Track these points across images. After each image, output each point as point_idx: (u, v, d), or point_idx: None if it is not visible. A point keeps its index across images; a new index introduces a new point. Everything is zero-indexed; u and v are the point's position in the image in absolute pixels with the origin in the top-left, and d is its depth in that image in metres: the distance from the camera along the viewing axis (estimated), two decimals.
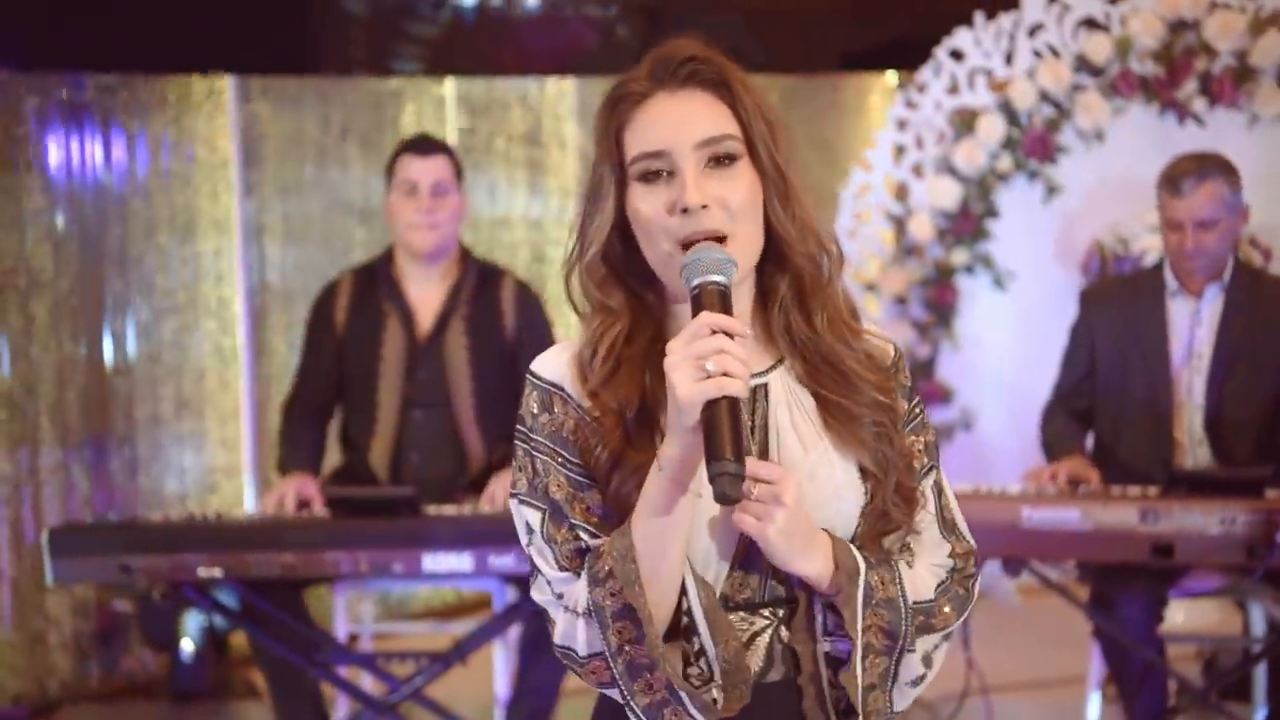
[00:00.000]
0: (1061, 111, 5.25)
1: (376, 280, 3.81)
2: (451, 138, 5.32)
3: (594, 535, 1.62)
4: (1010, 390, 5.25)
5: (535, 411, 1.66)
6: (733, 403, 1.48)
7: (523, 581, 3.57)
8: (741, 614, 1.63)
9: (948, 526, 1.72)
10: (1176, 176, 3.61)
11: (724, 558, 1.62)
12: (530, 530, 1.65)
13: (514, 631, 3.80)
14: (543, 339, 3.83)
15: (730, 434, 1.47)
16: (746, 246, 1.62)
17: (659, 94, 1.62)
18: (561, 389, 1.65)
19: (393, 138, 5.17)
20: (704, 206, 1.58)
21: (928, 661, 1.68)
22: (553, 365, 1.67)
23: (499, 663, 3.81)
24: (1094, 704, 4.11)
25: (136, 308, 4.82)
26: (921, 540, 1.70)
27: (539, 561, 1.65)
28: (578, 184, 5.67)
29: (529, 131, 5.60)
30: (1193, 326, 3.70)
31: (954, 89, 5.34)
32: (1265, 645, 3.77)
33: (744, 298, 1.65)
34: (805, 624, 1.62)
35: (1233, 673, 3.62)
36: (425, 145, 3.81)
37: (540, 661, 3.64)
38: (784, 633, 1.64)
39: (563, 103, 5.65)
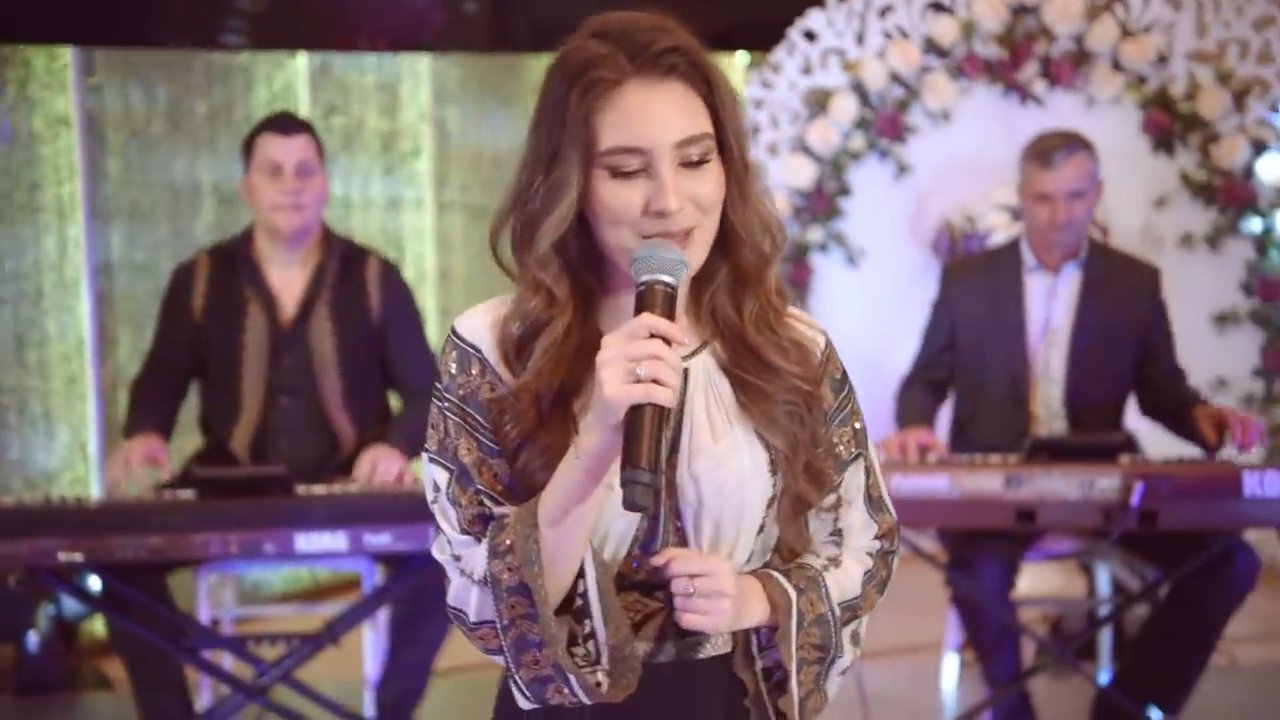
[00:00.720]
0: (911, 92, 5.36)
1: (236, 263, 3.72)
2: (305, 114, 5.22)
3: (498, 503, 1.62)
4: (863, 365, 5.26)
5: (453, 371, 1.65)
6: (657, 411, 1.47)
7: (395, 561, 3.54)
8: (637, 595, 1.64)
9: (875, 505, 1.76)
10: (1046, 150, 3.72)
11: (625, 539, 1.63)
12: (437, 489, 1.65)
13: (383, 613, 3.76)
14: (410, 320, 3.80)
15: (650, 443, 1.46)
16: (707, 240, 1.62)
17: (634, 82, 1.56)
18: (480, 353, 1.64)
19: (244, 114, 5.07)
20: (679, 209, 1.56)
21: (855, 639, 1.75)
22: (475, 326, 1.66)
23: (368, 644, 3.77)
24: (950, 667, 4.22)
25: None
26: (852, 524, 1.75)
27: (441, 521, 1.65)
28: (434, 162, 5.62)
29: (383, 109, 5.52)
30: (1049, 302, 3.81)
31: (807, 69, 5.42)
32: (1114, 607, 3.91)
33: (683, 280, 1.62)
34: (743, 652, 1.69)
35: (1085, 634, 3.75)
36: (287, 124, 3.72)
37: (411, 643, 3.61)
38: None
39: (417, 80, 5.58)
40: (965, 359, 3.87)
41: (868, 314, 5.38)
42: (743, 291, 1.66)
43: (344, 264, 3.74)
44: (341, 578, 5.21)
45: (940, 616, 4.23)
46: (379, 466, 3.45)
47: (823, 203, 5.42)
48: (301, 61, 5.24)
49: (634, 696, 1.60)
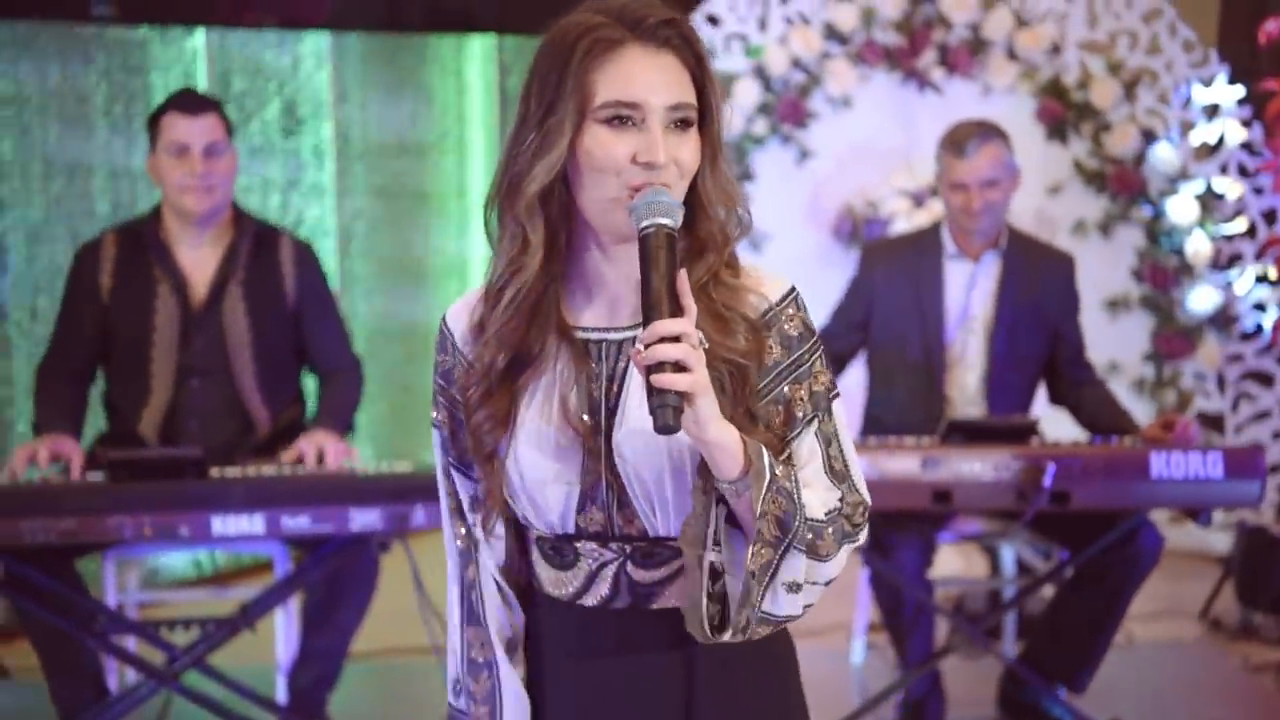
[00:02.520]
0: (812, 78, 5.40)
1: (144, 244, 3.63)
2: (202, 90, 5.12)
3: (465, 477, 1.79)
4: None
5: (436, 353, 1.80)
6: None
7: (309, 545, 3.49)
8: (592, 544, 1.72)
9: (837, 476, 1.71)
10: (960, 140, 3.78)
11: (571, 497, 1.70)
12: (436, 455, 1.84)
13: (295, 598, 3.72)
14: (325, 301, 3.75)
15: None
16: (677, 200, 1.67)
17: (633, 45, 1.66)
18: (452, 335, 1.78)
19: (142, 92, 4.95)
20: (665, 165, 1.64)
21: (793, 588, 1.66)
22: (455, 310, 1.79)
23: (280, 629, 3.72)
24: (859, 648, 4.29)
25: None
26: (810, 488, 1.68)
27: (441, 489, 1.83)
28: (333, 142, 5.54)
29: (283, 88, 5.43)
30: (969, 289, 3.87)
31: (710, 54, 5.42)
32: (1021, 586, 3.99)
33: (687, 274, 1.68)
34: (696, 530, 1.63)
35: (992, 613, 3.82)
36: (194, 103, 3.63)
37: (325, 627, 3.57)
38: (630, 568, 1.71)
39: (318, 59, 5.50)
40: (881, 341, 3.91)
41: None
42: (694, 261, 1.69)
43: (257, 244, 3.68)
44: (245, 562, 5.13)
45: (849, 598, 4.29)
46: (329, 451, 3.38)
47: None
48: (200, 36, 5.12)
49: (587, 639, 1.73)
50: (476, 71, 6.04)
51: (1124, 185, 5.35)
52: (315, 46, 5.46)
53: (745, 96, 5.37)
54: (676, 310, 1.57)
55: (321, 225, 5.54)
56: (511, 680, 1.78)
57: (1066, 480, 3.30)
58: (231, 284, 3.64)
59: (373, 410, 5.40)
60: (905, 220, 5.23)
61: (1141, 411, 5.13)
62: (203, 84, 5.06)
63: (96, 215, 4.82)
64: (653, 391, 1.54)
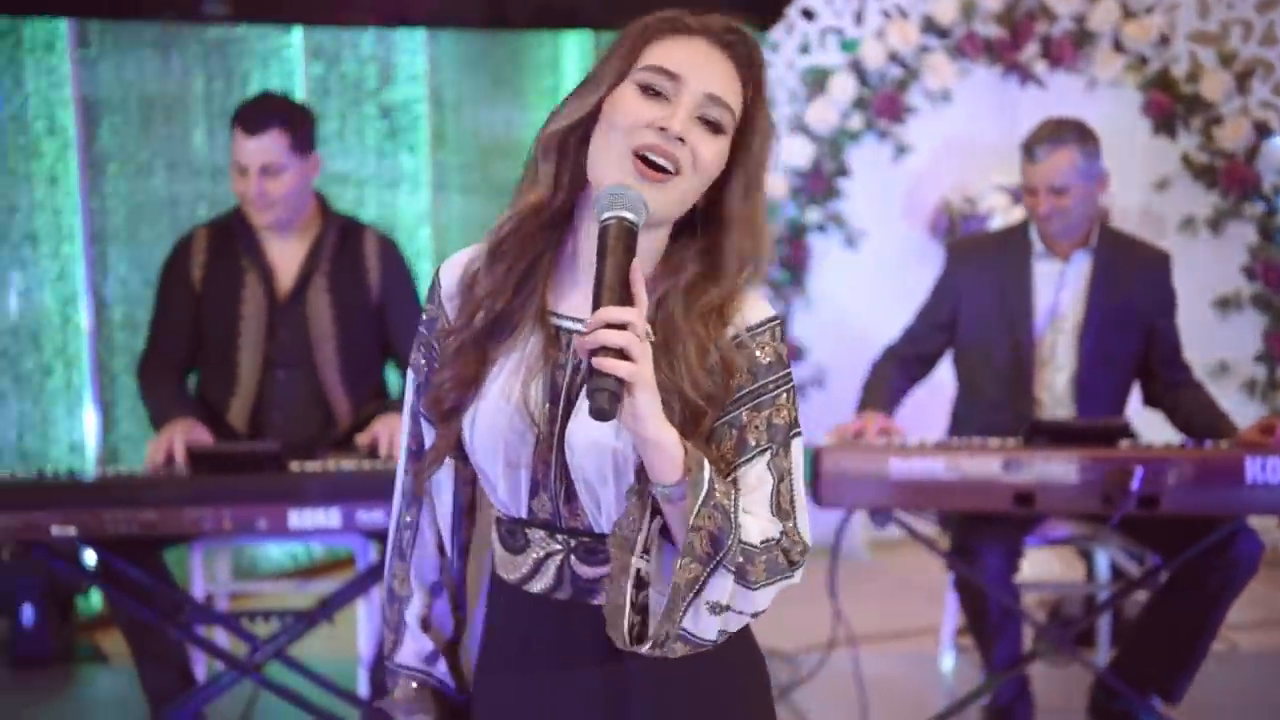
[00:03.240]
0: (909, 72, 5.33)
1: (234, 236, 3.69)
2: (300, 89, 5.19)
3: (431, 425, 1.78)
4: (861, 347, 5.29)
5: (427, 300, 1.81)
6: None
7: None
8: (541, 532, 1.73)
9: (782, 513, 1.66)
10: (1033, 142, 3.70)
11: (521, 485, 1.71)
12: (408, 395, 1.85)
13: (378, 591, 3.74)
14: (409, 295, 3.77)
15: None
16: (680, 196, 1.66)
17: (701, 38, 1.67)
18: (440, 286, 1.78)
19: (240, 89, 5.03)
20: (680, 140, 1.63)
21: (716, 610, 1.62)
22: (450, 262, 1.79)
23: (363, 621, 3.75)
24: (948, 653, 4.22)
25: None
26: (752, 514, 1.64)
27: (403, 429, 1.85)
28: (428, 139, 5.59)
29: (380, 84, 5.48)
30: (1058, 289, 3.78)
31: (805, 48, 5.38)
32: (1113, 592, 3.89)
33: (650, 252, 1.69)
34: (627, 533, 1.61)
35: (1085, 618, 3.73)
36: (254, 121, 3.58)
37: None
38: (574, 561, 1.72)
39: (414, 57, 5.54)
40: (968, 340, 3.84)
41: (866, 295, 5.36)
42: (702, 291, 1.67)
43: (341, 237, 3.71)
44: (341, 555, 5.19)
45: (938, 602, 4.23)
46: (397, 438, 3.39)
47: (821, 183, 5.39)
48: (298, 34, 5.19)
49: (527, 625, 1.75)
50: (573, 68, 6.05)
51: (1235, 180, 5.20)
52: (412, 43, 5.51)
53: (840, 91, 5.30)
54: (626, 299, 1.55)
55: (417, 222, 5.58)
56: (414, 612, 1.86)
57: (1155, 484, 3.21)
58: (316, 276, 3.68)
59: None
60: (1003, 217, 5.14)
61: (1252, 414, 4.97)
62: (300, 81, 5.12)
63: (196, 214, 4.90)
64: (592, 374, 1.52)
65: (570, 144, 1.69)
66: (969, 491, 3.26)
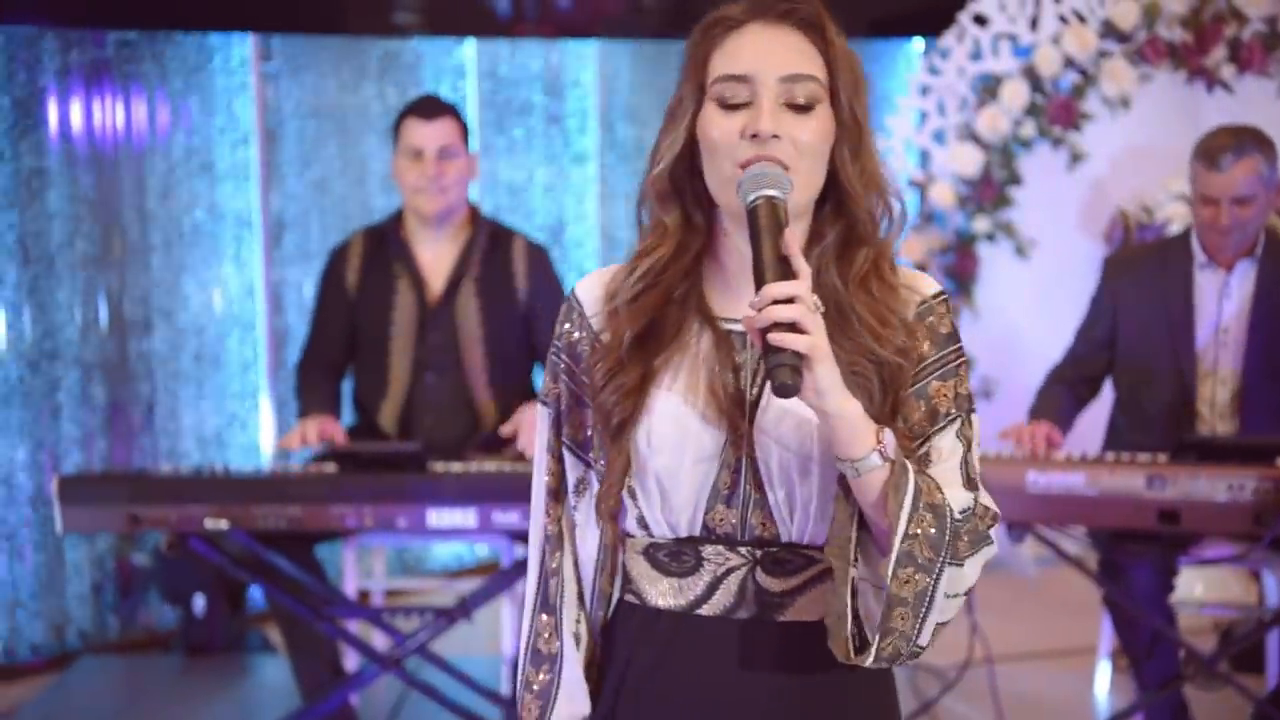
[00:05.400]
0: (1087, 78, 5.20)
1: (387, 242, 3.81)
2: (473, 102, 5.31)
3: (576, 455, 1.72)
4: (1030, 359, 5.19)
5: (561, 322, 1.75)
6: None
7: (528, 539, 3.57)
8: (720, 548, 1.65)
9: (971, 483, 1.64)
10: (1214, 150, 3.54)
11: (704, 490, 1.64)
12: (540, 432, 1.78)
13: (521, 588, 3.81)
14: (556, 301, 3.80)
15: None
16: (805, 182, 1.63)
17: (753, 24, 1.65)
18: (580, 305, 1.73)
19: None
20: (775, 136, 1.60)
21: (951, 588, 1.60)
22: (587, 283, 1.76)
23: (507, 620, 3.82)
24: (1103, 672, 4.10)
25: (153, 266, 4.83)
26: (946, 485, 1.61)
27: (538, 468, 1.76)
28: (598, 151, 5.66)
29: (550, 97, 5.58)
30: (1221, 300, 3.65)
31: (977, 54, 5.29)
32: (1276, 614, 3.74)
33: (796, 237, 1.64)
34: (841, 544, 1.58)
35: (1241, 642, 3.59)
36: (430, 108, 3.76)
37: None
38: (759, 575, 1.65)
39: (585, 68, 5.63)
40: (1127, 354, 3.72)
41: (1036, 306, 5.24)
42: (852, 254, 1.66)
43: (491, 243, 3.80)
44: (495, 555, 5.29)
45: (1094, 620, 4.12)
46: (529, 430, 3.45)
47: (990, 191, 5.29)
48: (471, 47, 5.31)
49: (708, 651, 1.65)
50: None
51: None
52: (581, 54, 5.58)
53: (1012, 98, 5.20)
54: (788, 274, 1.52)
55: (586, 231, 5.66)
56: (573, 669, 1.74)
57: None
58: (465, 280, 3.77)
59: None
60: (1181, 227, 4.97)
61: None
62: (473, 94, 5.24)
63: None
64: (769, 350, 1.50)
65: (682, 179, 1.67)
66: (1110, 507, 3.18)
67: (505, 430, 3.53)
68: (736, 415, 1.63)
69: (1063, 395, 3.69)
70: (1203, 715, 3.70)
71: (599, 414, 1.67)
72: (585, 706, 1.75)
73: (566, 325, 1.74)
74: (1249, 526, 3.15)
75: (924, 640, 1.59)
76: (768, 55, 1.62)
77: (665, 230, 1.68)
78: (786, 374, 1.49)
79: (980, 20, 5.26)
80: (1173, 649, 3.56)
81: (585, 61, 5.61)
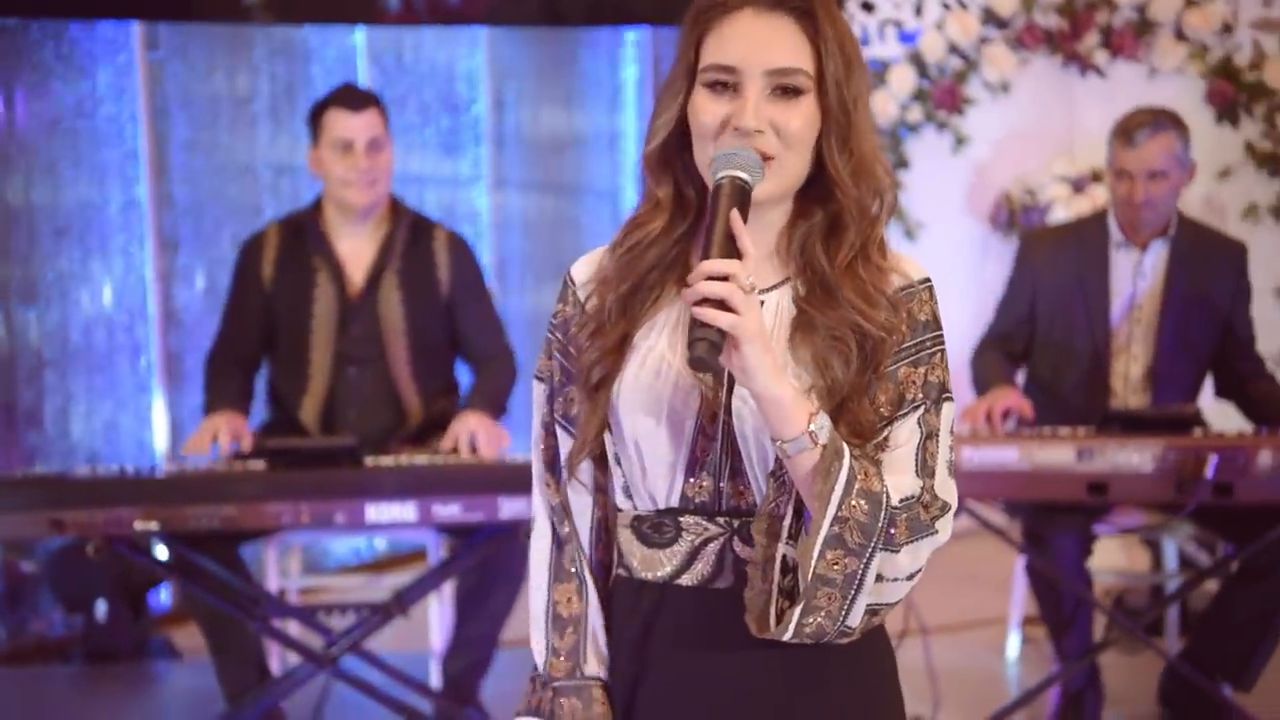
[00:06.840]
0: (969, 63, 5.32)
1: (305, 234, 3.72)
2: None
3: (567, 432, 1.76)
4: None
5: (557, 301, 1.79)
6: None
7: (462, 533, 3.54)
8: (698, 517, 1.68)
9: (925, 470, 1.65)
10: (1131, 127, 3.67)
11: (680, 462, 1.67)
12: (537, 407, 1.82)
13: (449, 585, 3.78)
14: (478, 292, 3.80)
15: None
16: (788, 170, 1.65)
17: (746, 10, 1.65)
18: (574, 284, 1.78)
19: (303, 90, 5.08)
20: (759, 131, 1.62)
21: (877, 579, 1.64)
22: (581, 262, 1.79)
23: (434, 615, 3.79)
24: (1014, 642, 4.22)
25: (43, 264, 4.67)
26: (894, 471, 1.64)
27: (535, 442, 1.81)
28: (489, 137, 5.62)
29: (442, 84, 5.52)
30: (1135, 278, 3.77)
31: (865, 41, 5.38)
32: (1185, 581, 3.88)
33: (779, 219, 1.70)
34: (768, 525, 1.63)
35: (1156, 608, 3.72)
36: (355, 99, 3.69)
37: (477, 614, 3.62)
38: (736, 544, 1.67)
39: (474, 55, 5.58)
40: (1044, 330, 3.82)
41: None
42: (840, 237, 1.67)
43: (412, 234, 3.75)
44: (405, 550, 5.24)
45: (1003, 591, 4.23)
46: (480, 437, 3.44)
47: None
48: (361, 35, 5.23)
49: (687, 621, 1.69)
50: (631, 65, 6.07)
51: None
52: (472, 41, 5.54)
53: (900, 84, 5.30)
54: (732, 253, 1.56)
55: (477, 220, 5.62)
56: (597, 617, 1.77)
57: (1230, 472, 3.20)
58: (387, 273, 3.71)
59: (524, 402, 5.47)
60: (1064, 208, 5.12)
61: None
62: (363, 81, 5.17)
63: (263, 213, 4.95)
64: (694, 324, 1.54)
65: (674, 153, 1.70)
66: (1042, 481, 3.26)
67: (444, 445, 3.49)
68: (713, 381, 1.66)
69: (1001, 361, 3.78)
70: (1111, 680, 3.82)
71: (580, 374, 1.71)
72: (606, 652, 1.78)
73: (561, 305, 1.77)
74: (1173, 495, 3.26)
75: (853, 621, 1.62)
76: (757, 47, 1.63)
77: (657, 203, 1.72)
78: (704, 348, 1.53)
79: (867, 7, 5.35)
80: (1089, 616, 3.67)
81: (475, 49, 5.56)
